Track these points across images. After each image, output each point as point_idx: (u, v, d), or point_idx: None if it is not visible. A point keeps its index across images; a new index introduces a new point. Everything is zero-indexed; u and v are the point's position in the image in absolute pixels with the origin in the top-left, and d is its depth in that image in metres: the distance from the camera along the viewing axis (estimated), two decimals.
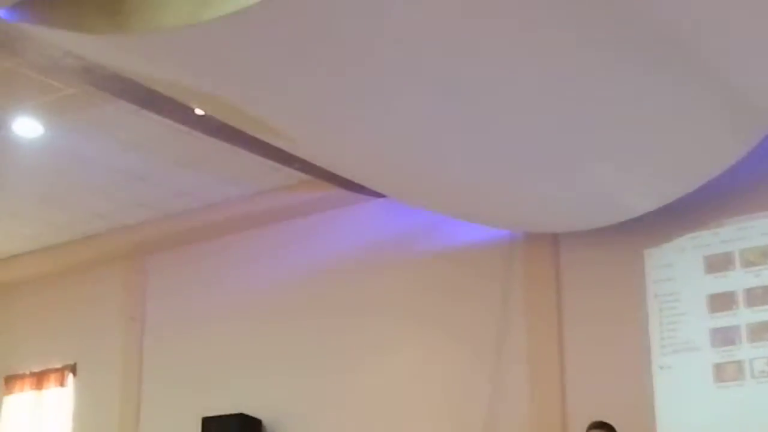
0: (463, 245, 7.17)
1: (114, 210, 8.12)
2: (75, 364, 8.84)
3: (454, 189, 6.16)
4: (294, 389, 7.63)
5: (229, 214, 8.01)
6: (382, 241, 7.53)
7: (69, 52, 5.09)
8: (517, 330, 6.85)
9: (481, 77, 4.75)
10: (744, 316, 6.16)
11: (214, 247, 8.30)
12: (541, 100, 4.95)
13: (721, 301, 6.25)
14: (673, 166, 5.80)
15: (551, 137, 5.35)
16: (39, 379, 8.96)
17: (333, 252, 7.73)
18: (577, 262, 6.78)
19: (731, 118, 5.34)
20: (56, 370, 8.90)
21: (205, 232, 8.24)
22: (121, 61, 5.08)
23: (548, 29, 4.35)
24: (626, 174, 5.82)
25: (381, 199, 7.32)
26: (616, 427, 5.64)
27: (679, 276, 6.42)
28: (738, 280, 6.22)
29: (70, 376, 8.83)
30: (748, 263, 6.22)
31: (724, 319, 6.21)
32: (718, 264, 6.31)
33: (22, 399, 9.03)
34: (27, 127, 6.59)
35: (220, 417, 7.63)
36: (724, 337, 6.18)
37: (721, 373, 6.15)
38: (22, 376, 9.07)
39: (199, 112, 5.93)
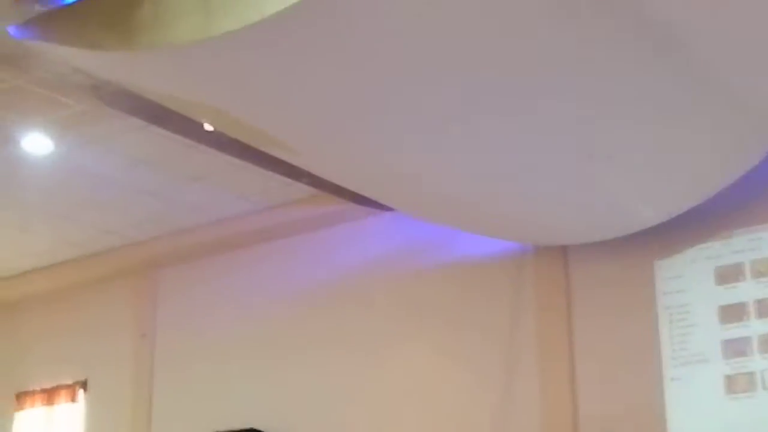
0: (472, 258, 7.15)
1: (124, 226, 8.13)
2: (86, 380, 8.83)
3: (462, 202, 6.15)
4: (305, 404, 7.62)
5: (240, 229, 8.01)
6: (391, 255, 7.52)
7: (77, 68, 5.11)
8: (527, 342, 6.82)
9: (488, 86, 4.74)
10: (755, 327, 6.13)
11: (225, 262, 8.29)
12: (547, 104, 4.94)
13: (732, 313, 6.22)
14: (683, 176, 5.78)
15: (559, 146, 5.34)
16: (50, 395, 8.96)
17: (343, 266, 7.72)
18: (587, 274, 6.75)
19: (739, 126, 5.32)
20: (67, 386, 8.89)
21: (215, 247, 8.23)
22: (130, 78, 5.09)
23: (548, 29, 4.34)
24: (635, 184, 5.80)
25: (390, 213, 7.32)
26: None
27: (689, 287, 6.39)
28: (749, 291, 6.19)
29: (81, 392, 8.82)
30: (759, 274, 6.19)
31: (735, 331, 6.18)
32: (728, 275, 6.28)
33: (34, 415, 9.02)
34: (37, 143, 6.60)
35: None
36: (735, 348, 6.15)
37: (733, 384, 6.12)
38: (33, 393, 9.06)
39: (208, 127, 5.94)
